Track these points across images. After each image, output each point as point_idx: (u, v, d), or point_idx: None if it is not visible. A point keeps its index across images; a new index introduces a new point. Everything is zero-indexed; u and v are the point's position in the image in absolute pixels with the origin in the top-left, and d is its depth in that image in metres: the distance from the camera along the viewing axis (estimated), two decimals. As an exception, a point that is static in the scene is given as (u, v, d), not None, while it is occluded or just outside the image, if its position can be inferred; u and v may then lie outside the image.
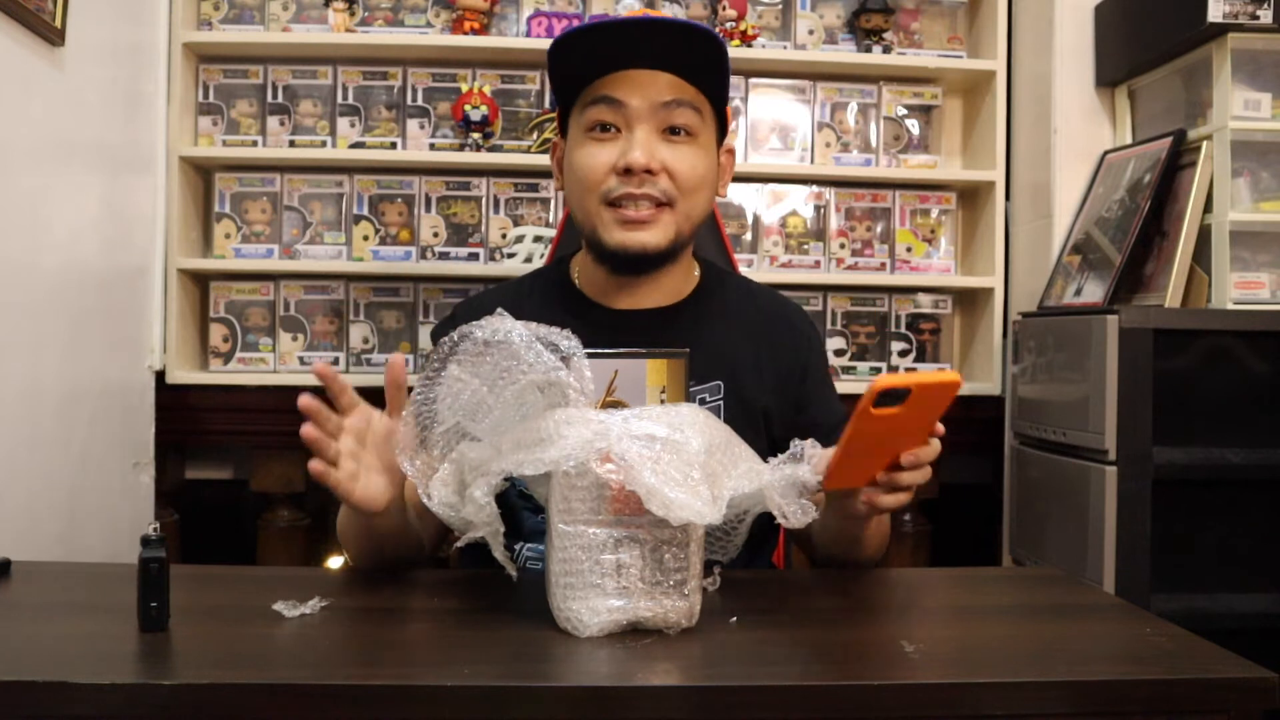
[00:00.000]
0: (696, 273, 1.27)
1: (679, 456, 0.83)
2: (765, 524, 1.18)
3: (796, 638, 0.90)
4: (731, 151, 1.26)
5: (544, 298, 1.23)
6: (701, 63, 1.14)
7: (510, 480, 1.18)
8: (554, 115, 2.14)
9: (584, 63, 1.13)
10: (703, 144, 1.16)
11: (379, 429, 0.98)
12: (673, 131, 1.13)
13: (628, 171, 1.11)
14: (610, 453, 0.82)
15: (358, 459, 0.97)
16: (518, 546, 1.19)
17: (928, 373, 0.94)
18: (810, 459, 0.91)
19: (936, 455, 0.95)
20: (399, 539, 1.08)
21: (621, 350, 0.93)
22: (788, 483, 0.89)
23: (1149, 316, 1.63)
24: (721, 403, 1.19)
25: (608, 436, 0.82)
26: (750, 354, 1.23)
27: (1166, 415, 1.62)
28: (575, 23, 2.13)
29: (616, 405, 0.91)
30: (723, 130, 1.22)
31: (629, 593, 0.85)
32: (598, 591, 0.85)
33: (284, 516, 2.18)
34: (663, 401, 0.93)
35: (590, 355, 0.88)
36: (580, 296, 1.23)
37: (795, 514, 0.89)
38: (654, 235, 1.13)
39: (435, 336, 1.24)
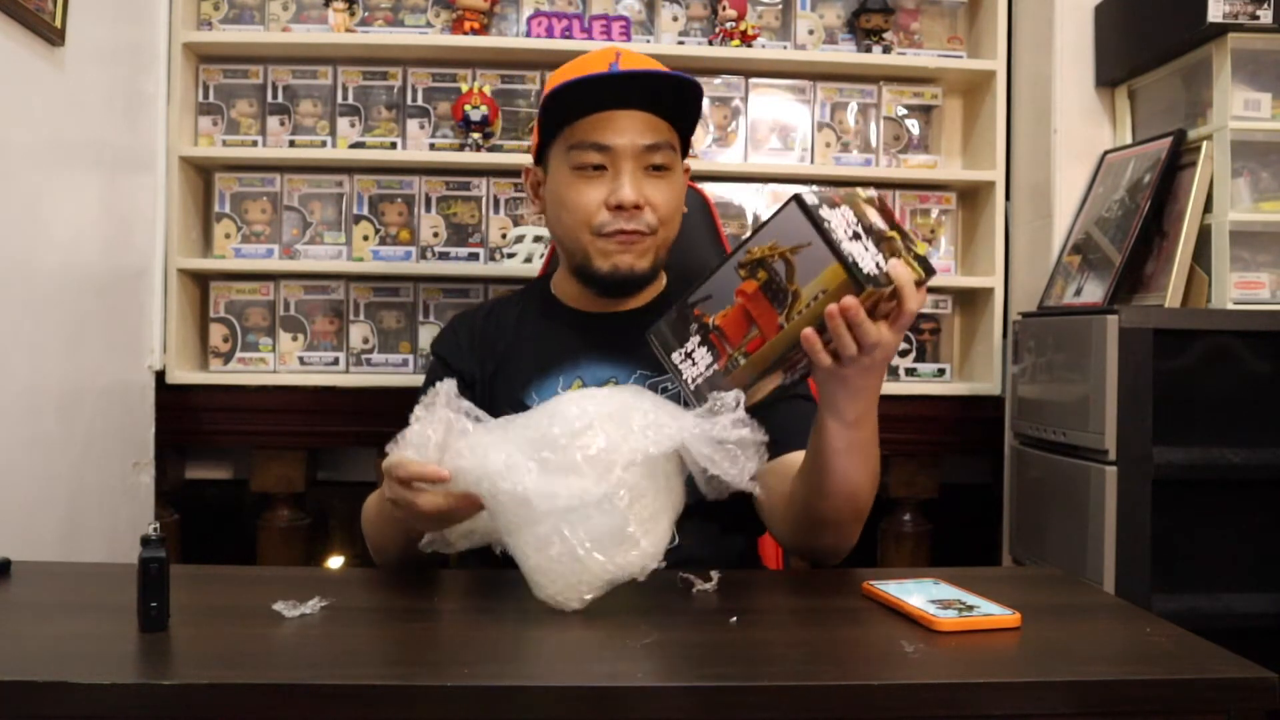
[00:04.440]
0: (663, 280, 1.37)
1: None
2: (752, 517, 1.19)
3: (796, 638, 0.90)
4: (688, 168, 1.36)
5: (525, 308, 1.36)
6: (681, 107, 1.25)
7: None
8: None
9: (571, 105, 1.23)
10: (676, 174, 1.28)
11: None
12: (653, 168, 1.24)
13: (619, 208, 1.22)
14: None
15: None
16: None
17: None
18: (731, 409, 0.93)
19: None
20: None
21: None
22: (707, 439, 0.92)
23: (1149, 316, 1.63)
24: None
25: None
26: None
27: (1166, 415, 1.62)
28: (575, 23, 2.13)
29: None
30: (685, 150, 1.34)
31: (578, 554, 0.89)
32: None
33: (284, 516, 2.18)
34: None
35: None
36: (555, 302, 1.35)
37: (725, 468, 0.91)
38: (640, 259, 1.25)
39: (434, 346, 1.36)
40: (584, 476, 0.89)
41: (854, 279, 0.90)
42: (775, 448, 1.10)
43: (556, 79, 1.25)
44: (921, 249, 1.00)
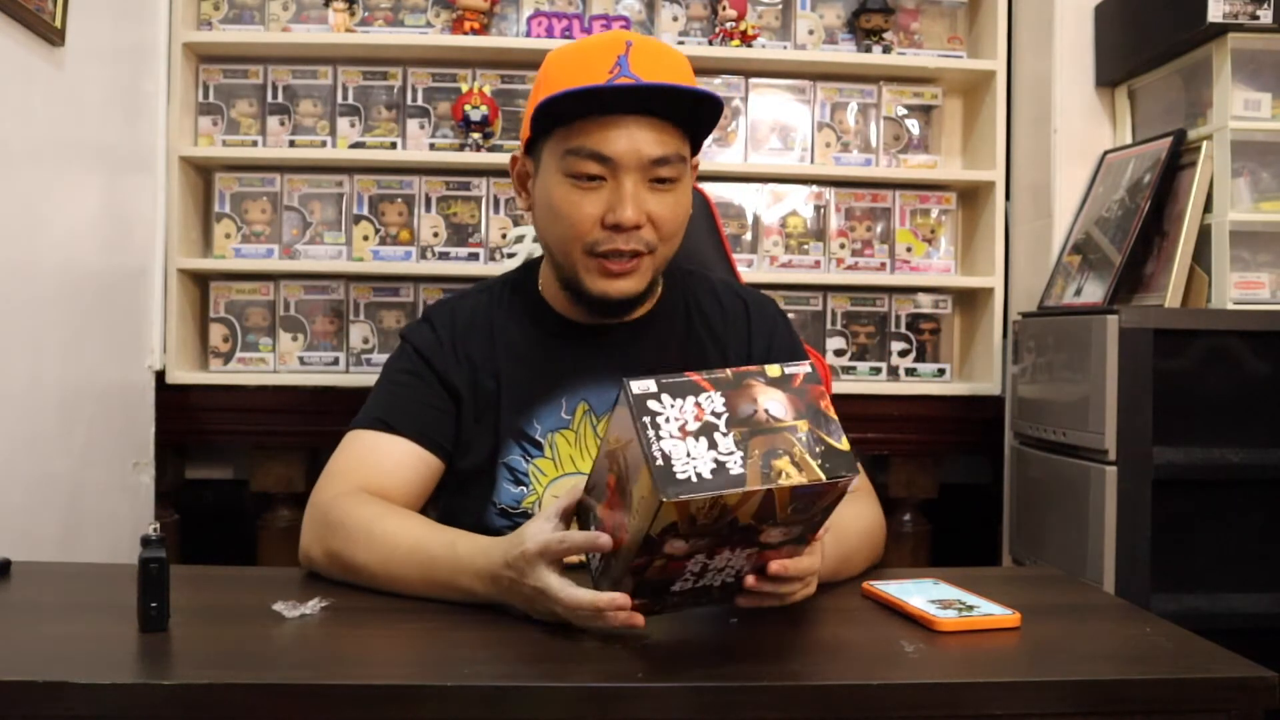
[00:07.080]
0: (659, 289, 1.24)
1: None
2: None
3: (796, 638, 0.90)
4: (696, 164, 1.22)
5: (514, 311, 1.23)
6: (696, 119, 1.13)
7: (499, 456, 1.17)
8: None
9: (573, 104, 1.09)
10: (683, 186, 1.14)
11: None
12: (657, 181, 1.11)
13: (616, 227, 1.09)
14: None
15: None
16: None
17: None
18: None
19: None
20: None
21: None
22: None
23: (1149, 316, 1.63)
24: None
25: None
26: (717, 354, 1.23)
27: (1166, 415, 1.62)
28: (575, 23, 2.13)
29: None
30: (695, 149, 1.20)
31: None
32: None
33: (284, 516, 2.18)
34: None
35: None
36: (548, 310, 1.22)
37: None
38: (634, 283, 1.13)
39: (406, 335, 1.22)
40: None
41: (656, 487, 0.73)
42: None
43: (556, 67, 1.12)
44: (845, 446, 0.78)
